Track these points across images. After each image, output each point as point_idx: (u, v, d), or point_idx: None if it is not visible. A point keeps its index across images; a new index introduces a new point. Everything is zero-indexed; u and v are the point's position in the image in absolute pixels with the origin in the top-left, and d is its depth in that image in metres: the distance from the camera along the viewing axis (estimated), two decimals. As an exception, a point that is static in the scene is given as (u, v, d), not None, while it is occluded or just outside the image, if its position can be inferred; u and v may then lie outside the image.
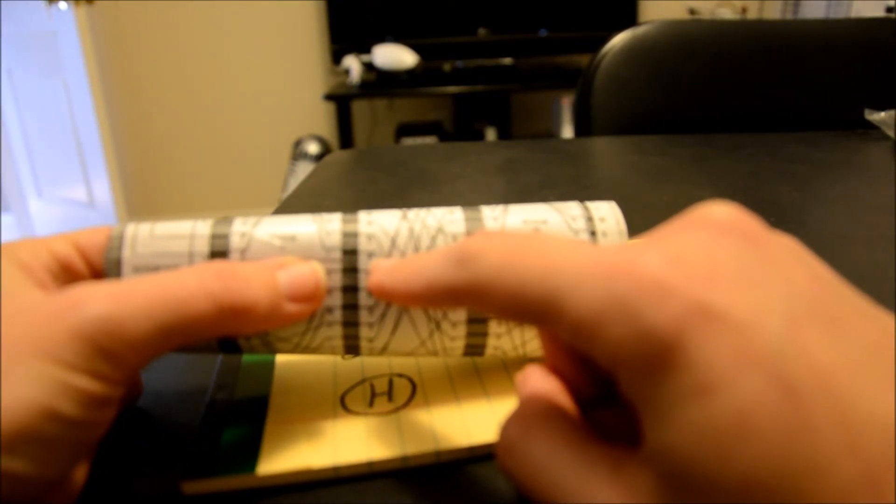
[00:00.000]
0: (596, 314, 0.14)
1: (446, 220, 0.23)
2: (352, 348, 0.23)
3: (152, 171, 2.53)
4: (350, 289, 0.22)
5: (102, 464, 0.21)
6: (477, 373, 0.25)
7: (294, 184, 2.09)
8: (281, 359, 0.26)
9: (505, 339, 0.23)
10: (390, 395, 0.23)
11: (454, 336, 0.22)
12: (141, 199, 2.56)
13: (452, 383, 0.24)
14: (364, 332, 0.22)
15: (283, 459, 0.20)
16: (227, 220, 0.22)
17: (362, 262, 0.22)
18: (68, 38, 2.26)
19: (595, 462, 0.15)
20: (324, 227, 0.22)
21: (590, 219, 0.23)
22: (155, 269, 0.21)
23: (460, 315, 0.22)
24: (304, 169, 2.12)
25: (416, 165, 0.60)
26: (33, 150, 2.59)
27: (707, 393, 0.12)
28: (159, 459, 0.21)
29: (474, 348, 0.23)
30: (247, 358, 0.26)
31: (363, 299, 0.22)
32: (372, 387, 0.24)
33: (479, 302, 0.16)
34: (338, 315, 0.22)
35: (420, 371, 0.25)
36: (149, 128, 2.48)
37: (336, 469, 0.20)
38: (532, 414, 0.17)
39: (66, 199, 2.57)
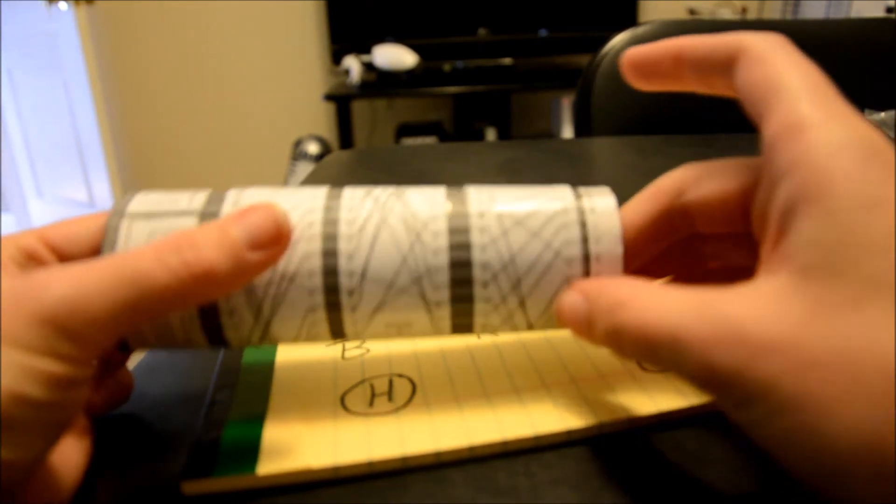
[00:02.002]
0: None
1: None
2: (337, 332, 0.22)
3: (152, 171, 2.53)
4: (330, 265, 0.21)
5: (102, 464, 0.21)
6: (477, 373, 0.25)
7: (294, 184, 2.08)
8: (281, 359, 0.26)
9: (493, 316, 0.22)
10: (390, 395, 0.23)
11: (440, 317, 0.22)
12: (141, 200, 2.56)
13: (452, 383, 0.24)
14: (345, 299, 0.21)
15: (283, 459, 0.20)
16: (220, 197, 0.22)
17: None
18: (68, 38, 2.26)
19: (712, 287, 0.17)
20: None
21: (579, 196, 0.23)
22: None
23: (443, 294, 0.21)
24: (304, 169, 2.12)
25: (416, 165, 0.60)
26: (33, 150, 2.59)
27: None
28: (159, 460, 0.21)
29: (461, 327, 0.22)
30: (247, 358, 0.26)
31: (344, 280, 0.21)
32: (372, 387, 0.24)
33: None
34: (319, 298, 0.21)
35: (420, 371, 0.25)
36: (149, 128, 2.48)
37: (336, 469, 0.20)
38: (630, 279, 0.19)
39: (66, 199, 2.57)
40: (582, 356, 0.25)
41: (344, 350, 0.27)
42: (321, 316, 0.21)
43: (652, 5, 2.39)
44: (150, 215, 0.21)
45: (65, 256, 0.22)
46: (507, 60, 2.31)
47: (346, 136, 2.17)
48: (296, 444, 0.21)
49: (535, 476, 0.20)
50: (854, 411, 0.13)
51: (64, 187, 2.56)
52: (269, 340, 0.22)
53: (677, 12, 2.38)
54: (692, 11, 2.36)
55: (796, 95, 0.17)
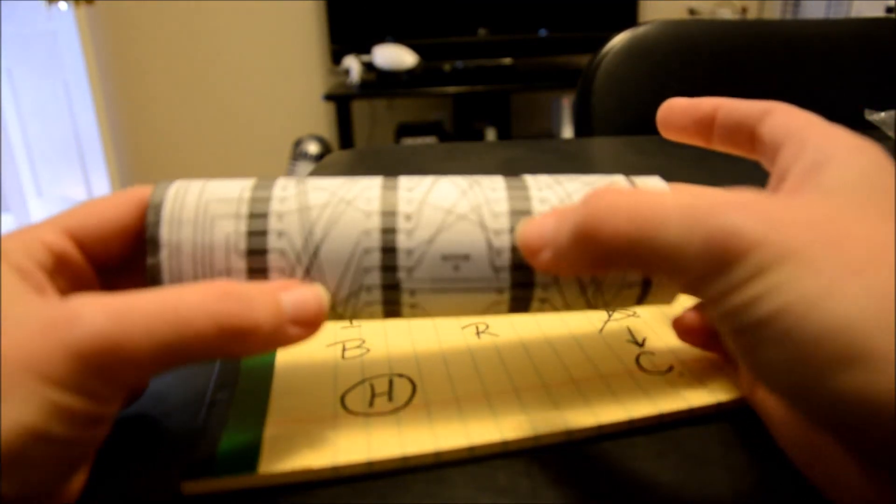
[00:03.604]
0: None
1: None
2: (388, 264, 0.21)
3: (152, 171, 2.53)
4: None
5: (102, 464, 0.21)
6: (477, 373, 0.25)
7: (294, 184, 2.08)
8: (281, 359, 0.26)
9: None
10: (390, 395, 0.23)
11: (501, 247, 0.21)
12: (141, 199, 2.56)
13: (452, 383, 0.24)
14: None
15: (283, 459, 0.20)
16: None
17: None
18: (68, 38, 2.26)
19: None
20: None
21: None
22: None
23: (502, 221, 0.21)
24: (304, 169, 2.12)
25: (416, 165, 0.60)
26: (33, 149, 2.59)
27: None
28: (159, 460, 0.21)
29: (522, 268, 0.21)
30: (247, 358, 0.26)
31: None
32: (372, 387, 0.24)
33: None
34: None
35: (420, 371, 0.25)
36: (148, 128, 2.48)
37: (336, 469, 0.20)
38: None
39: (66, 198, 2.57)
40: (582, 356, 0.26)
41: (344, 350, 0.27)
42: (375, 240, 0.20)
43: (652, 5, 2.39)
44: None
45: (91, 251, 0.21)
46: (507, 60, 2.31)
47: (346, 136, 2.17)
48: (296, 444, 0.21)
49: (535, 476, 0.20)
50: (880, 275, 0.14)
51: (63, 186, 2.57)
52: (316, 269, 0.20)
53: (677, 12, 2.38)
54: (692, 11, 2.37)
55: (818, 130, 0.20)
